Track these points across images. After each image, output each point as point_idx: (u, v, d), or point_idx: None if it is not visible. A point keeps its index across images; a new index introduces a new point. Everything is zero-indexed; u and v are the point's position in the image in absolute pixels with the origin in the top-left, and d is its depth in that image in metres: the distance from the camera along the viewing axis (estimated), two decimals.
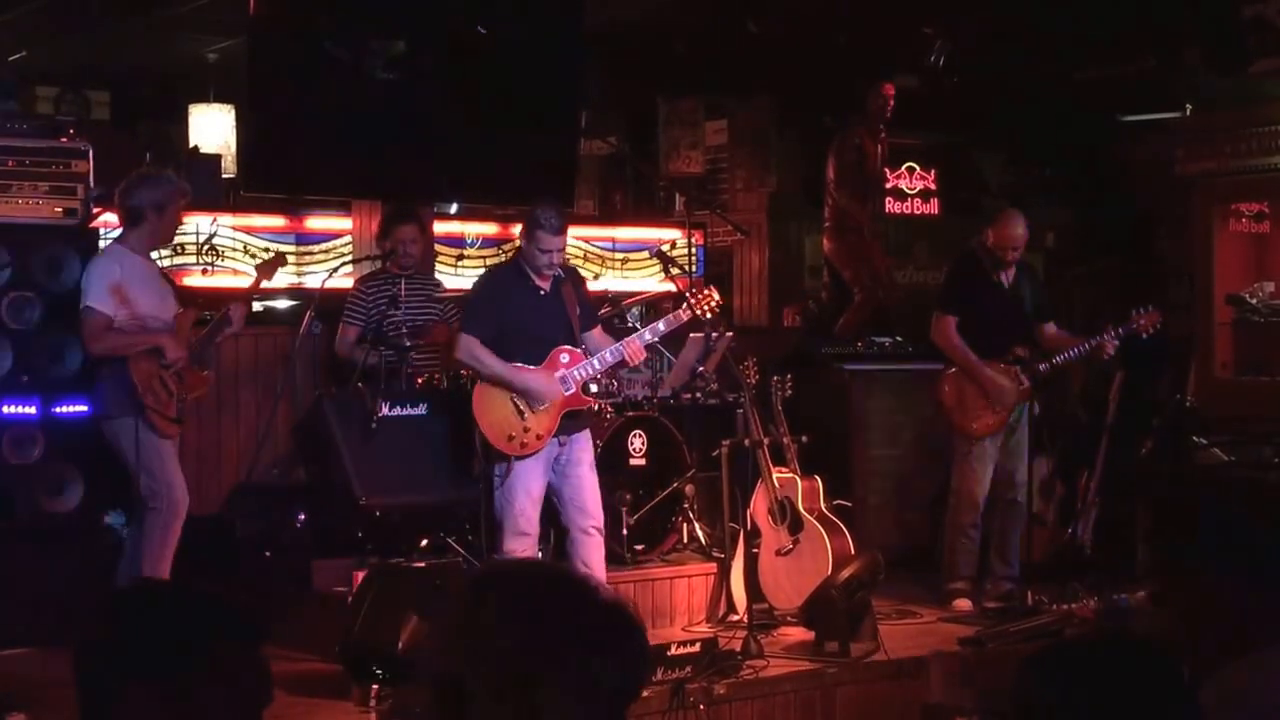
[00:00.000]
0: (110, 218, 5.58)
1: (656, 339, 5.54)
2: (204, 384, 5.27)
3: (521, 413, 5.21)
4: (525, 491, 5.21)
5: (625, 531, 5.84)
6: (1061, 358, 6.16)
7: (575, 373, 5.27)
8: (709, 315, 5.56)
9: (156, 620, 1.64)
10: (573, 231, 7.86)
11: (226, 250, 7.02)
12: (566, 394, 5.25)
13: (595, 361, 5.30)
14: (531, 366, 5.27)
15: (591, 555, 5.30)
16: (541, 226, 5.20)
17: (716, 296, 5.59)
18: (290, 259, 7.30)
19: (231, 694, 1.61)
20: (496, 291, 5.36)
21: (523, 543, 5.21)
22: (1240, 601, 2.06)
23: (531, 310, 5.27)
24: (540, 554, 5.61)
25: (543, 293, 5.29)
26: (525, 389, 5.20)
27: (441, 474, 5.65)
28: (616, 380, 6.08)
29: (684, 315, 5.50)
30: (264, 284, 5.58)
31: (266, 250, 6.85)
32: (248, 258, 6.95)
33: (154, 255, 5.52)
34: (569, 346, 5.30)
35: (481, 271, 7.85)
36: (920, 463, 7.15)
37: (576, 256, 7.73)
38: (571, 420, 5.30)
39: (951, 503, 6.24)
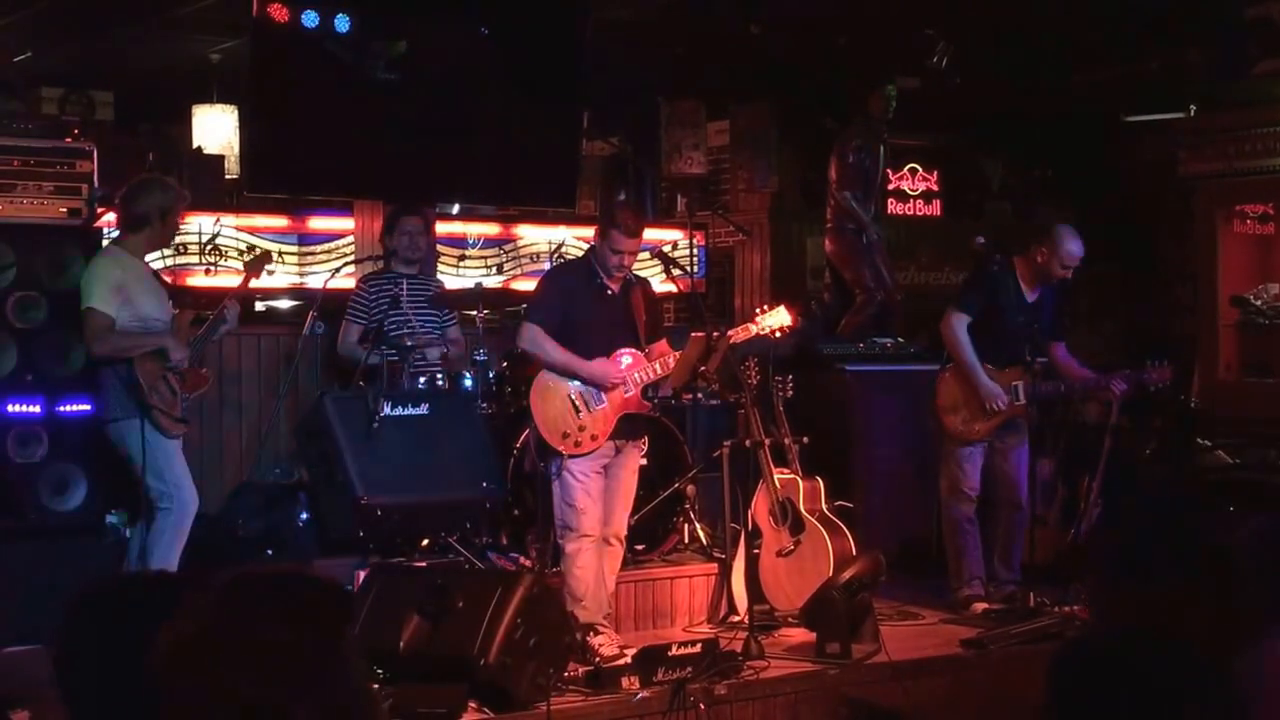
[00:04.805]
0: (114, 217, 5.59)
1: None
2: (204, 382, 5.30)
3: (578, 410, 5.18)
4: (585, 491, 5.16)
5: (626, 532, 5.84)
6: (1065, 387, 6.14)
7: (636, 375, 5.24)
8: (776, 334, 5.58)
9: (123, 615, 1.66)
10: (574, 232, 7.91)
11: (229, 250, 7.04)
12: (626, 396, 5.23)
13: (657, 365, 5.27)
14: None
15: (604, 564, 5.28)
16: (616, 226, 5.16)
17: (788, 317, 5.58)
18: (293, 259, 7.31)
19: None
20: (564, 286, 5.34)
21: (584, 544, 5.15)
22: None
23: (598, 310, 5.23)
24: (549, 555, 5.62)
25: (610, 293, 5.26)
26: (588, 377, 5.16)
27: (443, 474, 5.66)
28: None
29: (750, 329, 5.49)
30: (254, 282, 5.59)
31: (255, 249, 6.86)
32: (248, 258, 6.97)
33: (153, 256, 5.54)
34: (632, 349, 5.27)
35: (479, 271, 7.91)
36: (922, 464, 7.14)
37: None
38: (629, 424, 5.27)
39: (943, 500, 6.23)
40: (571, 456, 5.15)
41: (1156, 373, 6.04)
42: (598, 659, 5.00)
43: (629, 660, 4.90)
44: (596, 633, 5.13)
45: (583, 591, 5.14)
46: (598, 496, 5.20)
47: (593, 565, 5.17)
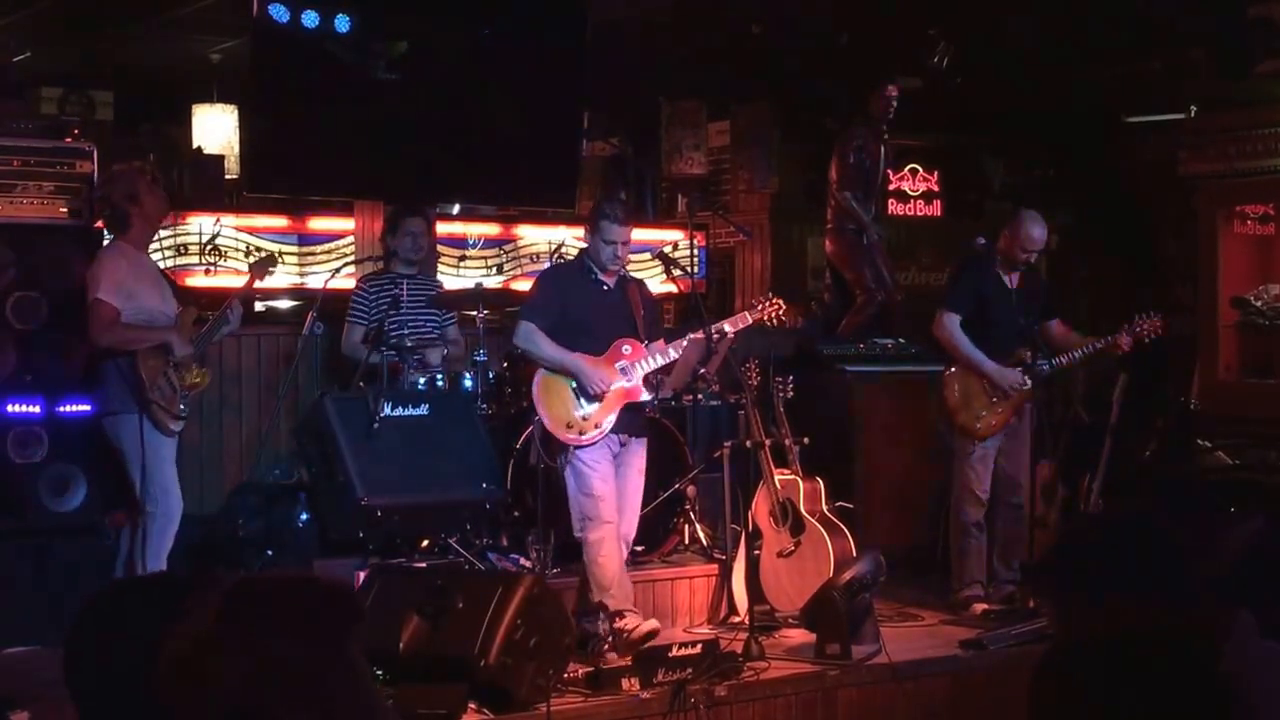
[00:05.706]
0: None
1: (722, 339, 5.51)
2: (204, 380, 5.30)
3: (580, 402, 5.23)
4: (600, 477, 5.20)
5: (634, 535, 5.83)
6: (1066, 358, 6.16)
7: (638, 365, 5.28)
8: (775, 323, 5.62)
9: (129, 617, 1.65)
10: (574, 232, 7.91)
11: (229, 250, 7.04)
12: (628, 386, 5.26)
13: (658, 355, 5.31)
14: (591, 356, 5.29)
15: None
16: (606, 216, 5.23)
17: (784, 306, 5.63)
18: (293, 259, 7.31)
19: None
20: (560, 284, 5.40)
21: (606, 531, 5.18)
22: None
23: (595, 305, 5.28)
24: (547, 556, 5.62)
25: (606, 288, 5.31)
26: (579, 372, 5.21)
27: (443, 474, 5.66)
28: None
29: (749, 319, 5.53)
30: (258, 283, 5.60)
31: (260, 250, 6.87)
32: (250, 258, 6.96)
33: (154, 256, 5.54)
34: (632, 340, 5.31)
35: (479, 271, 7.91)
36: (922, 464, 7.14)
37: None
38: (631, 415, 5.30)
39: (954, 503, 6.24)
40: (578, 447, 5.18)
41: (1147, 324, 6.09)
42: (628, 636, 5.04)
43: (655, 640, 4.93)
44: (623, 616, 5.15)
45: (609, 580, 5.17)
46: (612, 482, 5.23)
47: (615, 553, 5.22)
